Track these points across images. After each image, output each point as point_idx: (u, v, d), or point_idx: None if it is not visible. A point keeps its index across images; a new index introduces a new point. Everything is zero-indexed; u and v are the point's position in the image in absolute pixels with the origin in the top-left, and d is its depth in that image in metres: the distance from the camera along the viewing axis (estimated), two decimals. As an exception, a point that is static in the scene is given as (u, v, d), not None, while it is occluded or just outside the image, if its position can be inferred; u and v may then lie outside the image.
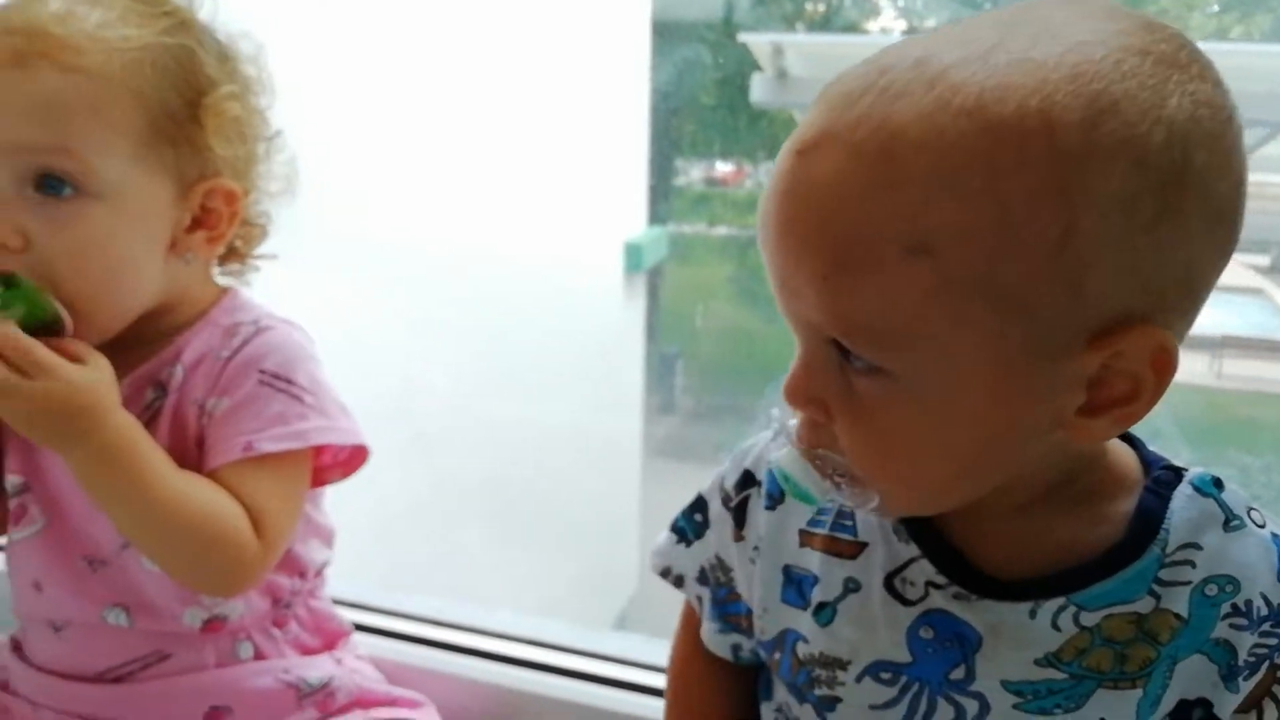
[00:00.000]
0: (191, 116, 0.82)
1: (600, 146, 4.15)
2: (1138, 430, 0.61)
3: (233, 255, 0.93)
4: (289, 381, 0.84)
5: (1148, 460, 0.63)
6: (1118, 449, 0.63)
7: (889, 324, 0.51)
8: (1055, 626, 0.58)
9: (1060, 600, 0.59)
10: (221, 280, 0.93)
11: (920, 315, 0.50)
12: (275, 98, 0.92)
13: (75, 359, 0.76)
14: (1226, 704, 0.59)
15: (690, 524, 0.76)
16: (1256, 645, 0.59)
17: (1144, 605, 0.58)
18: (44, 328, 0.75)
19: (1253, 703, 0.60)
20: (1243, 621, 0.58)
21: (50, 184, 0.76)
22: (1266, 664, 0.59)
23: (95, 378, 0.76)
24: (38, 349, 0.74)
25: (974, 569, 0.61)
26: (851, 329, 0.52)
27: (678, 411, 5.40)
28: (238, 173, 0.86)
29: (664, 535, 0.78)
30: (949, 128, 0.48)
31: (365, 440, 0.89)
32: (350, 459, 0.91)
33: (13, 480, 0.88)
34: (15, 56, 0.73)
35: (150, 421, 0.83)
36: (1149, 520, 0.59)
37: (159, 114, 0.79)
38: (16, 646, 0.92)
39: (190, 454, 0.84)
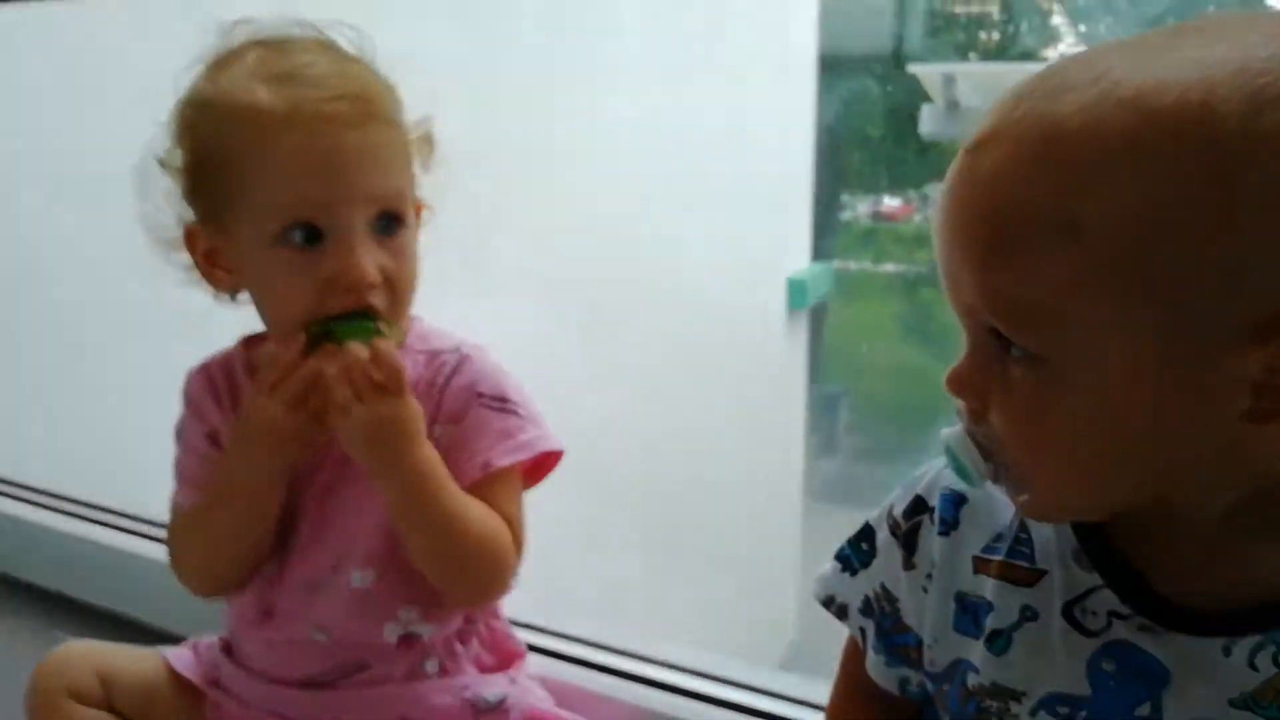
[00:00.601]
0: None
1: (764, 182, 4.16)
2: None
3: None
4: (504, 400, 0.90)
5: None
6: None
7: (1038, 303, 0.51)
8: (1252, 666, 0.55)
9: (1258, 638, 0.55)
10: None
11: (1068, 295, 0.50)
12: None
13: (397, 386, 0.82)
14: None
15: (856, 553, 0.75)
16: None
17: None
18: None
19: None
20: None
21: (386, 224, 0.84)
22: None
23: (416, 404, 0.84)
24: (401, 372, 0.82)
25: (1160, 599, 0.58)
26: (1002, 308, 0.53)
27: (841, 452, 5.31)
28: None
29: (829, 564, 0.77)
30: (1107, 117, 0.48)
31: (563, 444, 0.94)
32: (537, 467, 0.95)
33: None
34: (358, 118, 0.81)
35: None
36: None
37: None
38: (227, 648, 0.98)
39: None
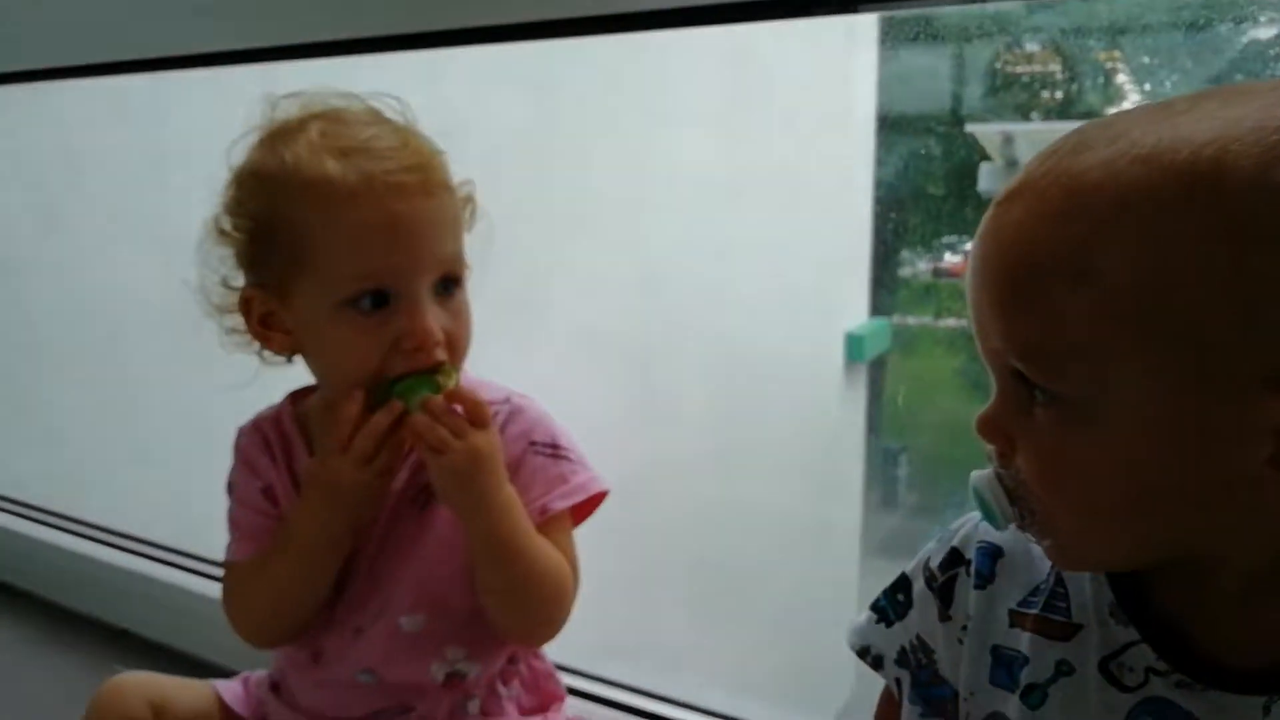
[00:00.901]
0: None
1: (823, 238, 4.17)
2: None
3: None
4: (555, 446, 0.94)
5: None
6: None
7: (1058, 347, 0.53)
8: None
9: None
10: None
11: (1087, 340, 0.52)
12: None
13: (481, 420, 0.87)
14: None
15: (892, 603, 0.75)
16: None
17: None
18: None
19: None
20: None
21: (446, 286, 0.88)
22: None
23: (497, 439, 0.88)
24: (480, 407, 0.87)
25: (1199, 656, 0.58)
26: (1025, 352, 0.55)
27: (900, 507, 5.22)
28: None
29: (864, 614, 0.78)
30: (1124, 170, 0.50)
31: (609, 484, 0.97)
32: (584, 505, 0.98)
33: None
34: (423, 188, 0.86)
35: (434, 501, 0.92)
36: None
37: None
38: (274, 686, 1.01)
39: None
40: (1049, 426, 0.55)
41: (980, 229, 0.57)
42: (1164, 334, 0.50)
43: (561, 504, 0.92)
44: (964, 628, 0.69)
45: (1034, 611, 0.65)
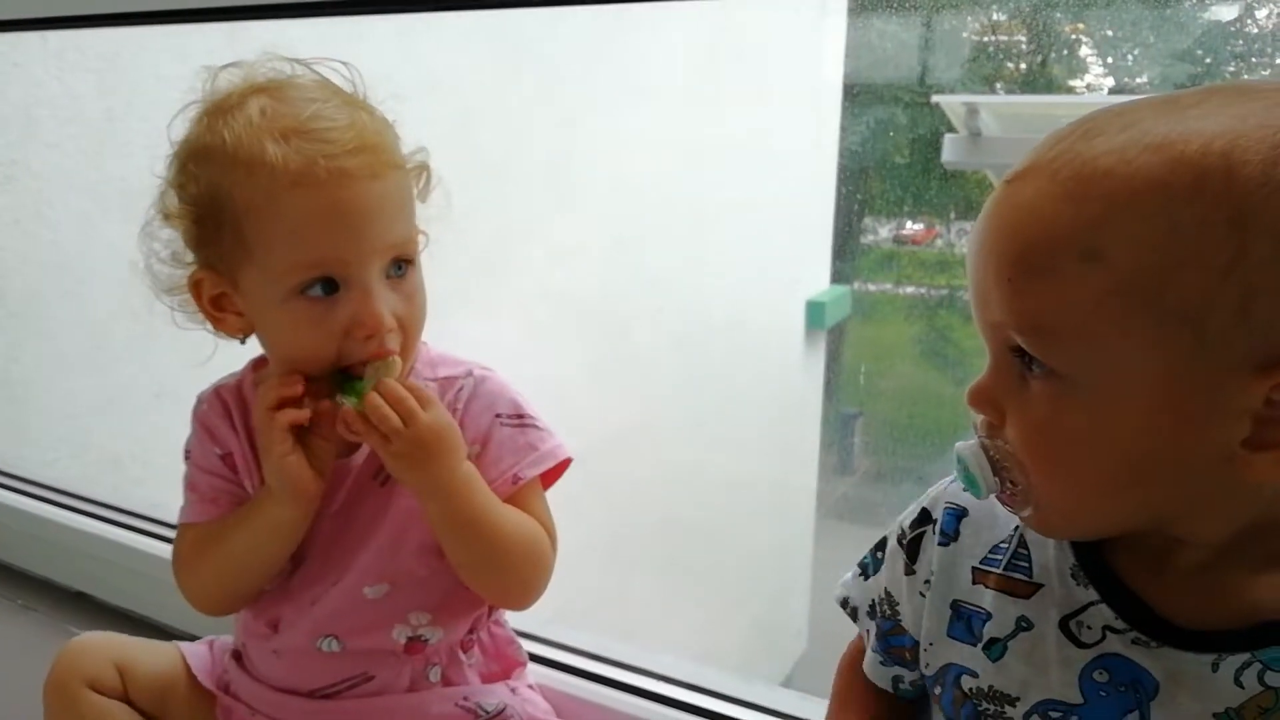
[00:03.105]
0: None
1: (786, 205, 4.18)
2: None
3: None
4: (521, 416, 0.94)
5: None
6: None
7: (1062, 323, 0.55)
8: (1238, 683, 0.57)
9: (1246, 656, 0.58)
10: None
11: (1091, 317, 0.54)
12: None
13: (427, 404, 0.85)
14: None
15: (872, 560, 0.80)
16: None
17: None
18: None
19: None
20: None
21: (398, 267, 0.86)
22: None
23: (449, 419, 0.86)
24: (421, 391, 0.84)
25: (1156, 616, 0.61)
26: (1028, 326, 0.56)
27: (855, 472, 5.30)
28: None
29: (852, 569, 0.82)
30: (1136, 159, 0.52)
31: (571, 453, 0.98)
32: (550, 472, 0.98)
33: None
34: (370, 170, 0.82)
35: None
36: None
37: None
38: (238, 656, 1.01)
39: None
40: (1044, 399, 0.57)
41: (987, 207, 0.59)
42: (1165, 316, 0.52)
43: (532, 471, 0.93)
44: (926, 582, 0.72)
45: (997, 570, 0.68)
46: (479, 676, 0.98)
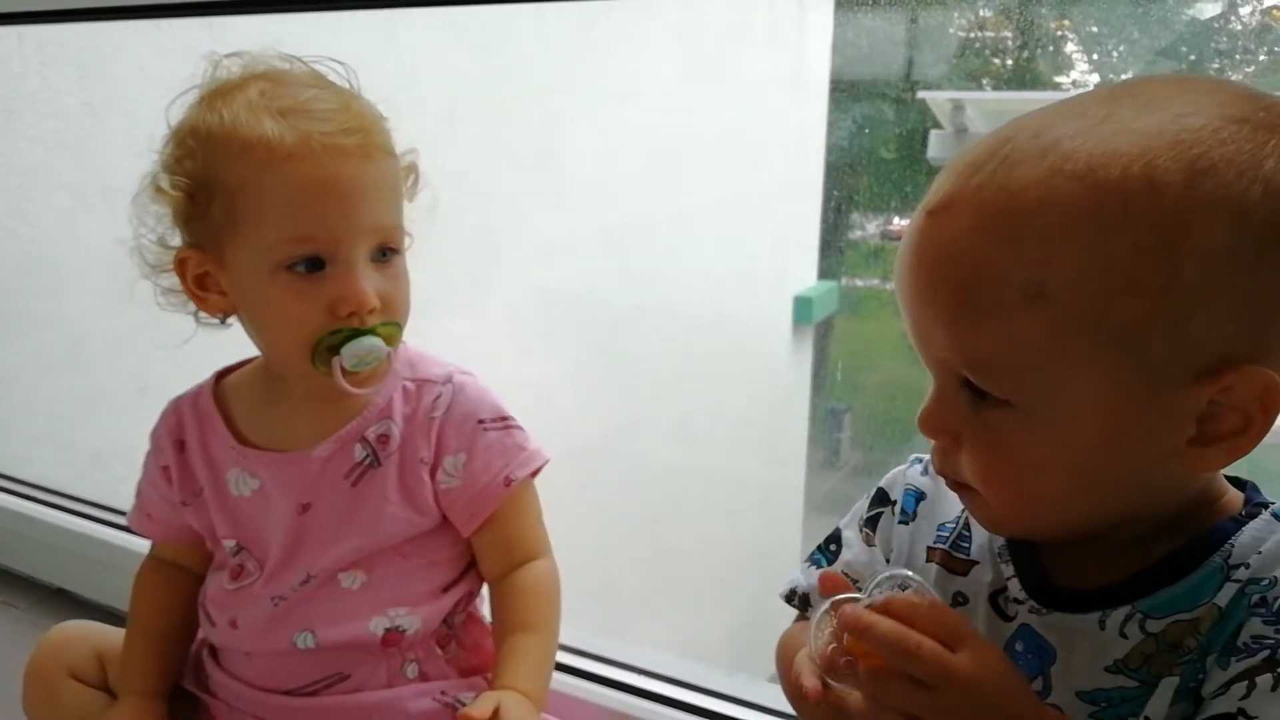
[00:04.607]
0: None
1: (773, 200, 4.19)
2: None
3: None
4: (504, 419, 0.96)
5: (1251, 500, 0.63)
6: (1232, 495, 0.64)
7: (1012, 361, 0.56)
8: (1123, 634, 0.60)
9: (1127, 609, 0.60)
10: None
11: (1041, 352, 0.55)
12: None
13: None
14: (1214, 680, 0.57)
15: (825, 553, 0.82)
16: (1264, 636, 0.56)
17: (1204, 612, 0.58)
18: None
19: (1239, 678, 0.57)
20: (1261, 610, 0.57)
21: (385, 253, 0.88)
22: (1266, 654, 0.56)
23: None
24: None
25: (1051, 586, 0.64)
26: (979, 366, 0.57)
27: (842, 467, 5.31)
28: None
29: (799, 565, 0.83)
30: (1061, 188, 0.53)
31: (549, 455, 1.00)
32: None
33: (228, 544, 0.98)
34: (363, 151, 0.84)
35: (367, 476, 0.93)
36: (1216, 535, 0.60)
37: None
38: (213, 654, 1.01)
39: (426, 505, 0.94)
40: (999, 427, 0.59)
41: (912, 239, 0.59)
42: (1109, 341, 0.54)
43: (522, 471, 0.95)
44: (887, 560, 0.75)
45: (942, 547, 0.72)
46: (456, 670, 0.98)
